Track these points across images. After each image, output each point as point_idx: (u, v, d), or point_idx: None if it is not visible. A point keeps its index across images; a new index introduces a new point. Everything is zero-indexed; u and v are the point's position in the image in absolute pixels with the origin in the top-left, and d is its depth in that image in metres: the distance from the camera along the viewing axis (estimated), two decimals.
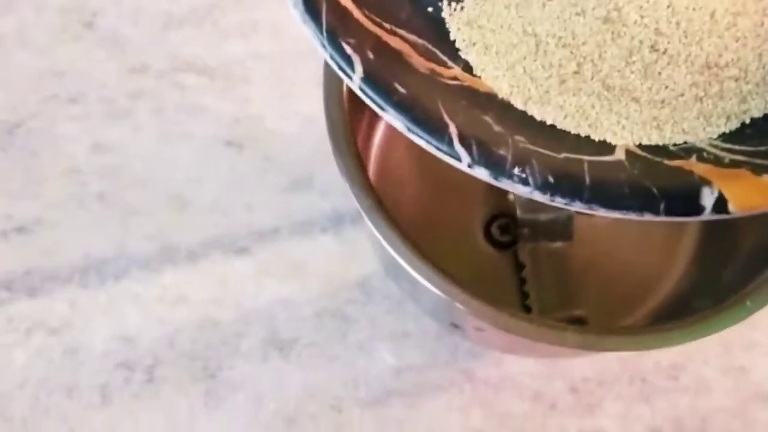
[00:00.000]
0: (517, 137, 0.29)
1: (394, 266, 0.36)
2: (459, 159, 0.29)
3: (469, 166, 0.29)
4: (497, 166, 0.28)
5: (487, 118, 0.30)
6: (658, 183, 0.28)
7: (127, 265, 0.47)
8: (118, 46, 0.51)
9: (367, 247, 0.47)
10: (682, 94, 0.29)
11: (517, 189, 0.28)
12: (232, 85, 0.51)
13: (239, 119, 0.50)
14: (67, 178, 0.48)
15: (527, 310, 0.43)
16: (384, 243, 0.34)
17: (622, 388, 0.45)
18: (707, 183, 0.28)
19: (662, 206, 0.27)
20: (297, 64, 0.51)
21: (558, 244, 0.44)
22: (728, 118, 0.30)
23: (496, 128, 0.29)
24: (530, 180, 0.28)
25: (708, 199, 0.27)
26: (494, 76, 0.31)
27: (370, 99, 0.29)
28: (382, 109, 0.29)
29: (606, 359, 0.46)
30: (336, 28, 0.30)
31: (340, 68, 0.30)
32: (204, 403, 0.45)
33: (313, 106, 0.37)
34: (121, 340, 0.45)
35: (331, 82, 0.36)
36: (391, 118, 0.29)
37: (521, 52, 0.30)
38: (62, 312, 0.46)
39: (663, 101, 0.30)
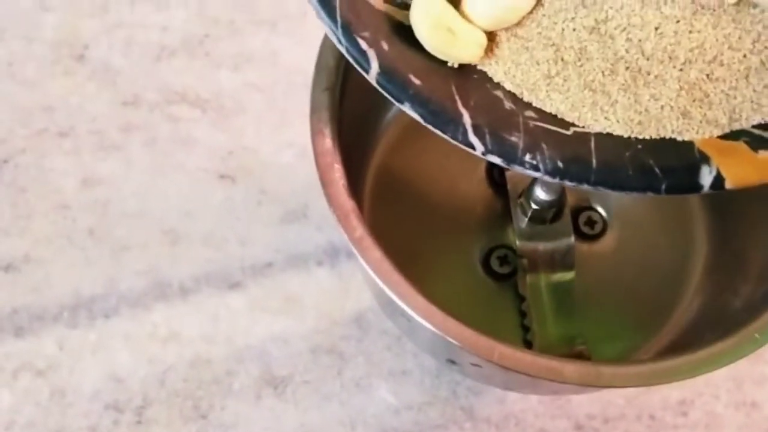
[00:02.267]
0: (528, 113, 0.30)
1: (386, 300, 0.35)
2: (473, 148, 0.30)
3: (483, 154, 0.30)
4: (509, 154, 0.30)
5: (499, 93, 0.31)
6: (659, 162, 0.29)
7: (117, 302, 0.46)
8: (109, 78, 0.51)
9: (363, 281, 0.46)
10: (665, 106, 0.30)
11: (528, 173, 0.30)
12: (225, 117, 0.50)
13: (232, 151, 0.49)
14: (56, 213, 0.47)
15: (528, 344, 0.41)
16: (372, 274, 0.33)
17: (629, 426, 0.44)
18: (706, 160, 0.29)
19: (664, 186, 0.29)
20: (291, 95, 0.50)
21: (559, 276, 0.42)
22: (716, 126, 0.29)
23: (507, 105, 0.31)
24: (540, 166, 0.29)
25: (707, 177, 0.28)
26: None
27: (387, 92, 0.31)
28: (400, 102, 0.30)
29: (612, 395, 0.44)
30: (351, 22, 0.30)
31: (357, 63, 0.30)
32: None
33: (307, 137, 0.35)
34: (110, 380, 0.44)
35: (318, 112, 0.35)
36: (408, 110, 0.30)
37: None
38: (50, 352, 0.44)
39: (645, 110, 0.30)
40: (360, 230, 0.34)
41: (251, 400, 0.44)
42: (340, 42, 0.31)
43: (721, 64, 0.29)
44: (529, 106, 0.31)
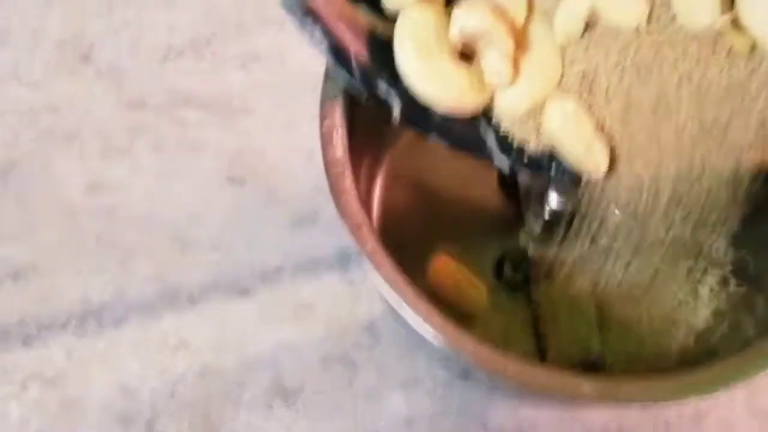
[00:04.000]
0: None
1: (399, 313, 0.34)
2: (501, 165, 0.32)
3: (511, 169, 0.32)
4: (536, 166, 0.32)
5: None
6: None
7: (126, 310, 0.45)
8: (115, 79, 0.50)
9: (375, 288, 0.45)
10: None
11: (538, 189, 0.35)
12: (232, 118, 0.49)
13: (240, 153, 0.48)
14: (63, 220, 0.47)
15: (542, 353, 0.41)
16: (384, 290, 0.32)
17: None
18: None
19: None
20: (299, 95, 0.49)
21: (573, 283, 0.41)
22: None
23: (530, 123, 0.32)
24: (566, 174, 0.32)
25: None
26: None
27: (412, 129, 0.32)
28: (426, 134, 0.32)
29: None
30: (368, 69, 0.31)
31: (380, 108, 0.32)
32: None
33: (316, 138, 0.35)
34: (119, 391, 0.43)
35: (328, 120, 0.34)
36: (433, 140, 0.32)
37: None
38: (59, 362, 0.44)
39: None
40: (372, 243, 0.33)
41: (262, 412, 0.43)
42: (361, 92, 0.31)
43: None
44: None
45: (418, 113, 0.31)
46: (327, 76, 0.36)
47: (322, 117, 0.35)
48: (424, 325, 0.32)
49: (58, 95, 0.50)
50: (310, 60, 0.49)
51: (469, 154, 0.32)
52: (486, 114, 0.32)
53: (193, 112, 0.49)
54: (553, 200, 0.39)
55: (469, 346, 0.32)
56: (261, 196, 0.48)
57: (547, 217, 0.40)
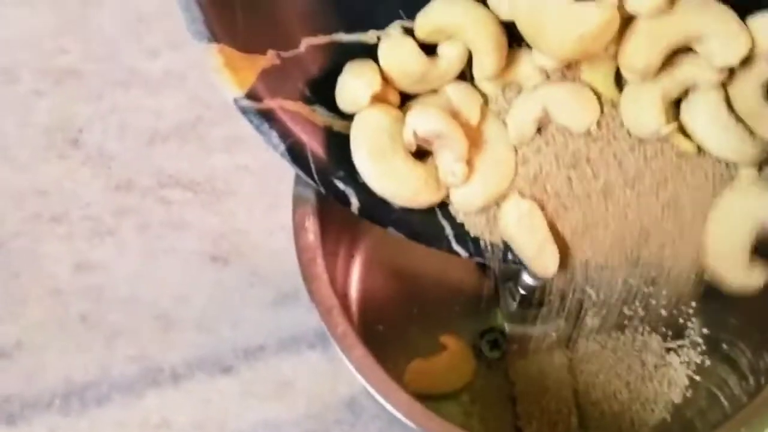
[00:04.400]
0: None
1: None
2: (459, 255, 0.33)
3: (469, 257, 0.34)
4: (493, 255, 0.33)
5: None
6: None
7: (109, 389, 0.45)
8: (103, 163, 0.51)
9: None
10: None
11: (514, 268, 0.34)
12: (217, 199, 0.50)
13: (225, 234, 0.49)
14: (49, 299, 0.47)
15: (518, 431, 0.41)
16: (354, 372, 0.33)
17: None
18: None
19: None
20: (282, 177, 0.50)
21: (549, 359, 0.42)
22: None
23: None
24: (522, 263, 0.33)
25: None
26: None
27: (371, 221, 0.33)
28: (384, 227, 0.33)
29: None
30: (324, 167, 0.32)
31: (339, 202, 0.33)
32: None
33: None
34: None
35: (301, 208, 0.35)
36: (392, 233, 0.33)
37: None
38: None
39: None
40: (342, 326, 0.34)
41: None
42: (319, 188, 0.33)
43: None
44: None
45: (375, 207, 0.32)
46: None
47: (295, 204, 0.36)
48: (392, 407, 0.33)
49: (47, 178, 0.51)
50: None
51: (428, 246, 0.33)
52: (444, 203, 0.33)
53: (178, 194, 0.50)
54: (527, 277, 0.40)
55: (437, 427, 0.32)
56: (244, 275, 0.49)
57: (522, 291, 0.41)
